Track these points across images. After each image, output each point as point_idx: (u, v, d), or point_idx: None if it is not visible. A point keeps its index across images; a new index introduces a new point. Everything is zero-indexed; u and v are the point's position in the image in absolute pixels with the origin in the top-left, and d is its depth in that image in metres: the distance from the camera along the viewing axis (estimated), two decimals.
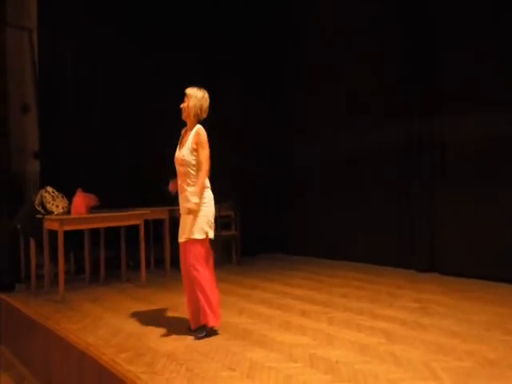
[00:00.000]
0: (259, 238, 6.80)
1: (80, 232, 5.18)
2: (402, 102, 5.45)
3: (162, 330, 3.40)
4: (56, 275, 4.65)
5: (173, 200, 5.82)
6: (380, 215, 5.67)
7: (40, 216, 4.63)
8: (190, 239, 3.19)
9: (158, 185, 6.00)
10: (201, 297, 3.18)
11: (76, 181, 5.05)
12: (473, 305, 3.88)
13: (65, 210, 4.73)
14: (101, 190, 5.16)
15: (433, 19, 5.13)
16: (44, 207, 4.70)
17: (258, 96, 6.87)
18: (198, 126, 3.31)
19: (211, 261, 3.34)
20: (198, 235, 3.18)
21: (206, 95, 3.34)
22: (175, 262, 5.78)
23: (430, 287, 4.56)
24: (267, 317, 3.70)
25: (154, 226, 5.92)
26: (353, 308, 3.87)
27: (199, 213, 3.19)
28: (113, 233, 5.28)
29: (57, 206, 4.69)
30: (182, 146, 3.34)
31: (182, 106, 3.36)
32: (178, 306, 4.07)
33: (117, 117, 5.92)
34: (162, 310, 3.97)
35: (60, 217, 4.51)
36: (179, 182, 3.34)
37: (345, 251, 5.99)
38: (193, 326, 3.32)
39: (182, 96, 6.62)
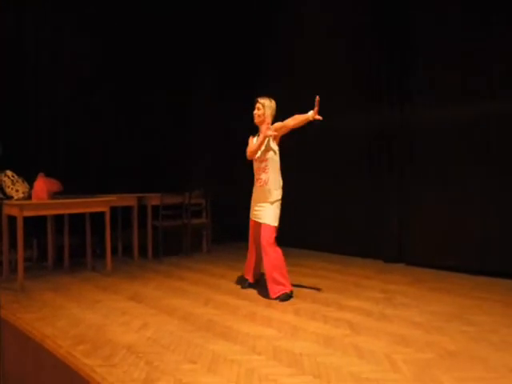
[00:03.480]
0: (229, 226, 6.74)
1: (43, 218, 5.00)
2: (372, 89, 5.44)
3: (124, 321, 3.31)
4: (17, 263, 4.46)
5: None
6: (348, 205, 5.69)
7: None
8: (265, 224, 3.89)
9: (125, 171, 5.94)
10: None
11: (38, 165, 4.83)
12: (437, 296, 3.94)
13: (25, 195, 4.53)
14: (65, 175, 4.98)
15: (407, 10, 5.13)
16: (3, 192, 4.49)
17: (231, 84, 6.74)
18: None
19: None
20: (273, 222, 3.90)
21: (274, 103, 3.95)
22: (143, 250, 5.70)
23: (397, 278, 4.62)
24: (233, 307, 3.65)
25: (123, 213, 5.77)
26: (320, 299, 3.87)
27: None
28: (78, 219, 5.11)
29: (17, 191, 4.49)
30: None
31: (256, 113, 3.95)
32: (143, 296, 3.98)
33: (80, 99, 5.70)
34: (126, 300, 3.87)
35: (20, 202, 4.31)
36: (257, 176, 3.98)
37: (312, 241, 6.00)
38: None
39: (152, 80, 6.46)
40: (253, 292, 4.11)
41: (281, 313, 3.52)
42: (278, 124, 3.90)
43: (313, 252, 5.93)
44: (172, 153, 6.36)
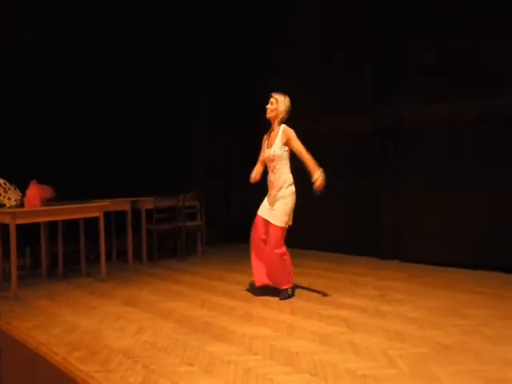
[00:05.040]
0: (225, 228, 6.75)
1: (37, 225, 4.97)
2: (366, 89, 5.47)
3: (120, 326, 3.30)
4: (10, 271, 4.43)
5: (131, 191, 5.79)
6: (342, 203, 5.70)
7: None
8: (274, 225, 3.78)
9: (118, 175, 5.90)
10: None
11: (30, 172, 4.80)
12: (431, 291, 3.97)
13: (18, 202, 4.49)
14: (57, 181, 4.94)
15: (400, 8, 5.15)
16: None
17: (225, 85, 6.75)
18: (284, 126, 3.87)
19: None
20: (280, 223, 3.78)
21: (289, 100, 3.86)
22: (137, 254, 5.68)
23: (392, 274, 4.64)
24: (229, 309, 3.65)
25: (116, 218, 5.75)
26: (316, 297, 3.88)
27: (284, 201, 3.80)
28: (72, 226, 5.09)
29: (9, 199, 4.45)
30: (270, 145, 3.90)
31: (269, 107, 3.88)
32: (138, 300, 3.97)
33: (72, 106, 5.68)
34: (121, 305, 3.85)
35: (12, 210, 4.28)
36: (269, 177, 3.90)
37: (308, 240, 5.99)
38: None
39: (143, 85, 6.43)
40: (248, 293, 4.11)
41: (277, 312, 3.52)
42: (292, 135, 3.82)
43: (308, 251, 5.93)
44: (164, 155, 6.35)
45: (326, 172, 5.40)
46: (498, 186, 4.47)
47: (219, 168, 6.72)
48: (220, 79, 6.74)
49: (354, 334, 3.00)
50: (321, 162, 5.84)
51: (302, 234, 6.03)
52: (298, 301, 3.80)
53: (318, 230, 5.96)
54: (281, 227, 3.78)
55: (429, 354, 2.62)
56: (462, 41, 4.61)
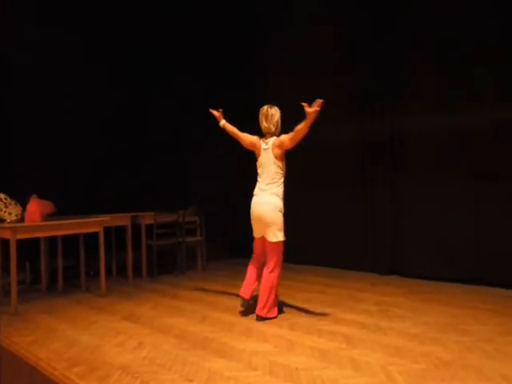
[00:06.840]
0: (225, 243, 6.76)
1: (37, 240, 4.98)
2: (362, 100, 5.52)
3: (119, 342, 3.29)
4: (10, 286, 4.42)
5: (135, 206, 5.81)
6: (341, 218, 5.72)
7: None
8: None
9: (118, 190, 5.93)
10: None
11: (30, 187, 4.83)
12: (431, 307, 3.97)
13: (18, 217, 4.52)
14: (58, 196, 4.98)
15: (395, 15, 5.24)
16: None
17: (223, 99, 6.81)
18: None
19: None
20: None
21: (263, 110, 3.89)
22: (137, 270, 5.68)
23: (391, 290, 4.64)
24: (229, 324, 3.65)
25: (116, 233, 5.76)
26: (315, 313, 3.87)
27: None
28: (72, 241, 5.10)
29: (9, 214, 4.48)
30: None
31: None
32: (138, 315, 3.96)
33: (70, 119, 5.72)
34: (121, 320, 3.84)
35: (13, 225, 4.30)
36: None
37: (307, 255, 6.00)
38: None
39: (141, 98, 6.38)
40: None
41: (276, 328, 3.52)
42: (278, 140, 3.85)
43: (307, 267, 5.94)
44: (164, 170, 6.39)
45: (325, 185, 5.38)
46: (498, 200, 4.46)
47: (219, 182, 6.76)
48: (214, 91, 6.75)
49: (354, 349, 3.00)
50: (320, 175, 5.91)
51: (301, 250, 6.07)
52: (298, 316, 3.80)
53: (316, 246, 5.97)
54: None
55: (428, 370, 2.62)
56: (455, 52, 4.66)
